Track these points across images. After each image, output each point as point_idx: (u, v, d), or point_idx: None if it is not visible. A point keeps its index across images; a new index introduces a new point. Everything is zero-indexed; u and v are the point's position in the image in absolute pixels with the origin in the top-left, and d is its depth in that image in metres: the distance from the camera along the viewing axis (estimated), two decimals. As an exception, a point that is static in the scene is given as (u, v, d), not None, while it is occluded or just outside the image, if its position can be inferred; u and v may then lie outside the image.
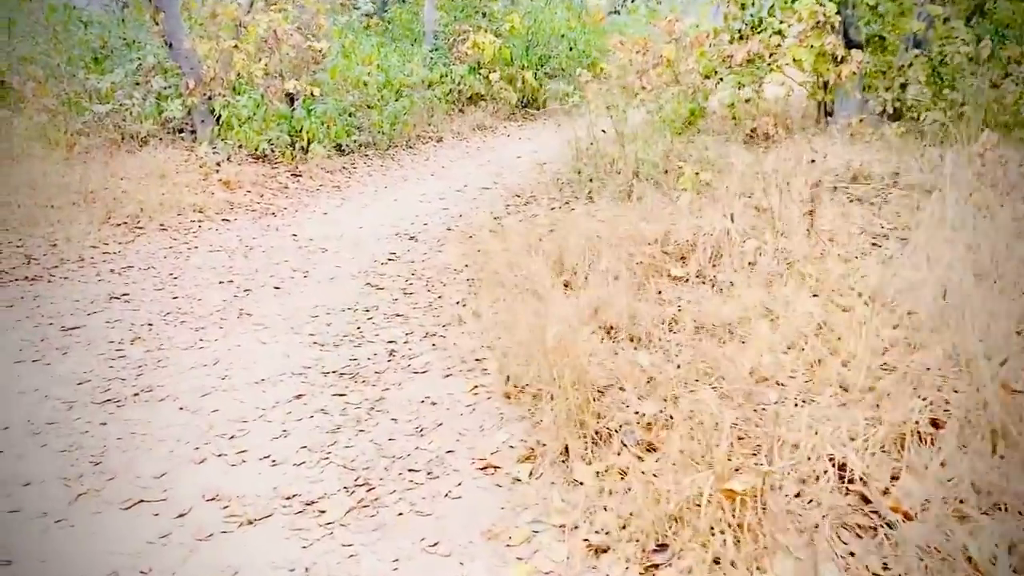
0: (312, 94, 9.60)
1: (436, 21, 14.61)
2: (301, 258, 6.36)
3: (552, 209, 7.15)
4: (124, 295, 5.36)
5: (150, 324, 4.87)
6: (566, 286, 4.91)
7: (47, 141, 8.75)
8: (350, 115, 10.46)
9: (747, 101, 9.84)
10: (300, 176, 9.26)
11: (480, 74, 13.73)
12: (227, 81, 9.48)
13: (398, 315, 5.05)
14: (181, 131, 9.84)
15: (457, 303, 5.20)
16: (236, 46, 9.16)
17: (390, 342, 4.57)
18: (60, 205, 7.16)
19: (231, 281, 5.74)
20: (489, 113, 13.69)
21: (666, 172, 7.83)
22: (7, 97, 9.50)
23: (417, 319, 4.96)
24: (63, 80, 9.45)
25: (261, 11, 9.53)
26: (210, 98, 9.59)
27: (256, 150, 9.44)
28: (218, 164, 9.05)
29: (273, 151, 9.56)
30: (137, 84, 9.55)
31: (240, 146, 9.43)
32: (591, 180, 7.96)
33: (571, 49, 15.49)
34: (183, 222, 7.22)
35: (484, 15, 14.84)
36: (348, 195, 8.67)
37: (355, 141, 10.51)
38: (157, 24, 9.39)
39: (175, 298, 5.36)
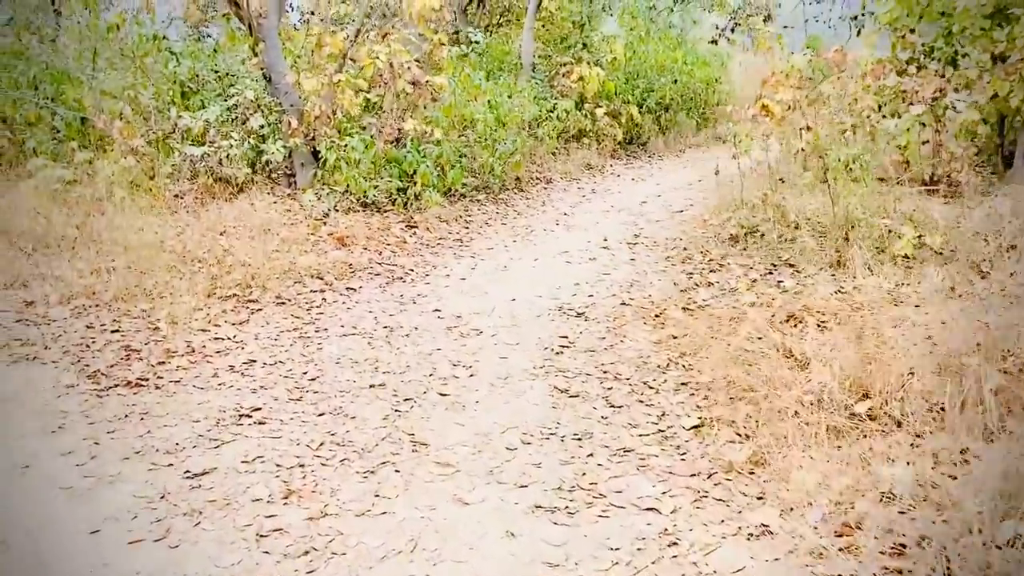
0: (427, 135, 8.31)
1: (533, 52, 13.33)
2: (456, 345, 5.00)
3: (753, 281, 5.72)
4: (255, 410, 4.02)
5: (300, 463, 3.51)
6: (871, 418, 3.47)
7: (134, 188, 7.55)
8: (462, 156, 9.16)
9: (925, 143, 8.37)
10: (416, 227, 7.96)
11: (583, 109, 12.39)
12: (333, 120, 8.24)
13: (625, 451, 3.64)
14: (277, 175, 8.62)
15: (696, 430, 3.79)
16: (346, 80, 7.91)
17: (647, 510, 3.16)
18: (155, 269, 5.91)
19: (383, 384, 4.39)
20: (594, 151, 12.33)
21: (851, 228, 6.38)
22: (90, 137, 8.35)
23: (659, 460, 3.54)
24: (150, 118, 8.28)
25: (375, 42, 8.29)
26: (313, 138, 8.36)
27: (364, 197, 8.17)
28: (325, 215, 7.78)
29: (382, 199, 8.28)
30: (233, 122, 8.34)
31: (346, 193, 8.16)
32: (780, 239, 6.52)
33: (675, 82, 14.11)
34: (302, 292, 5.91)
35: (584, 46, 13.53)
36: (476, 251, 7.32)
37: (464, 184, 9.19)
38: (256, 55, 8.20)
39: (320, 415, 4.01)
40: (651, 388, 4.32)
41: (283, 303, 5.67)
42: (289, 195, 8.21)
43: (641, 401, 4.18)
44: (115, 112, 8.04)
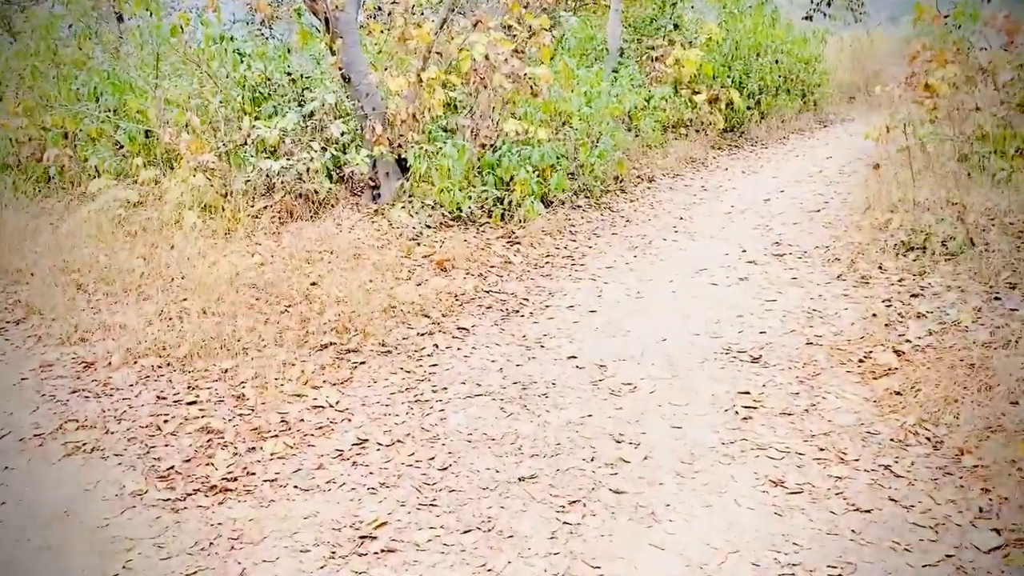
0: (527, 135, 7.21)
1: (620, 35, 12.13)
2: (610, 409, 3.91)
3: (976, 309, 4.49)
4: (378, 526, 2.99)
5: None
6: None
7: (207, 210, 6.63)
8: (561, 157, 8.05)
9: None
10: (518, 243, 6.88)
11: (680, 96, 11.15)
12: (421, 123, 7.21)
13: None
14: (360, 188, 7.63)
15: (1006, 559, 2.63)
16: (436, 77, 6.86)
17: None
18: (236, 312, 4.95)
19: (534, 478, 3.32)
20: (694, 142, 11.09)
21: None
22: (156, 152, 7.47)
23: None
24: (219, 128, 7.36)
25: (466, 31, 7.21)
26: (399, 145, 7.34)
27: (457, 210, 7.14)
28: (418, 233, 6.76)
29: (477, 211, 7.23)
30: (311, 130, 7.36)
31: (437, 206, 7.13)
32: (977, 248, 5.26)
33: (776, 63, 12.74)
34: (408, 336, 4.87)
35: (676, 26, 12.26)
36: (594, 272, 6.21)
37: (563, 190, 8.08)
38: (333, 54, 7.19)
39: (466, 532, 2.96)
40: (899, 477, 3.17)
41: (388, 352, 4.64)
42: (376, 211, 7.20)
43: (893, 499, 3.03)
44: (181, 123, 7.13)
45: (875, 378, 4.00)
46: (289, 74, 7.96)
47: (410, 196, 7.35)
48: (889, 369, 4.04)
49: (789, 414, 3.79)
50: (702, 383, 4.14)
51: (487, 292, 5.76)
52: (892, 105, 8.62)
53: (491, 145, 7.38)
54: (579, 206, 8.22)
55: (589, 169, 8.49)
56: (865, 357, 4.17)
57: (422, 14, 8.10)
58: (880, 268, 5.50)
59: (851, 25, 15.88)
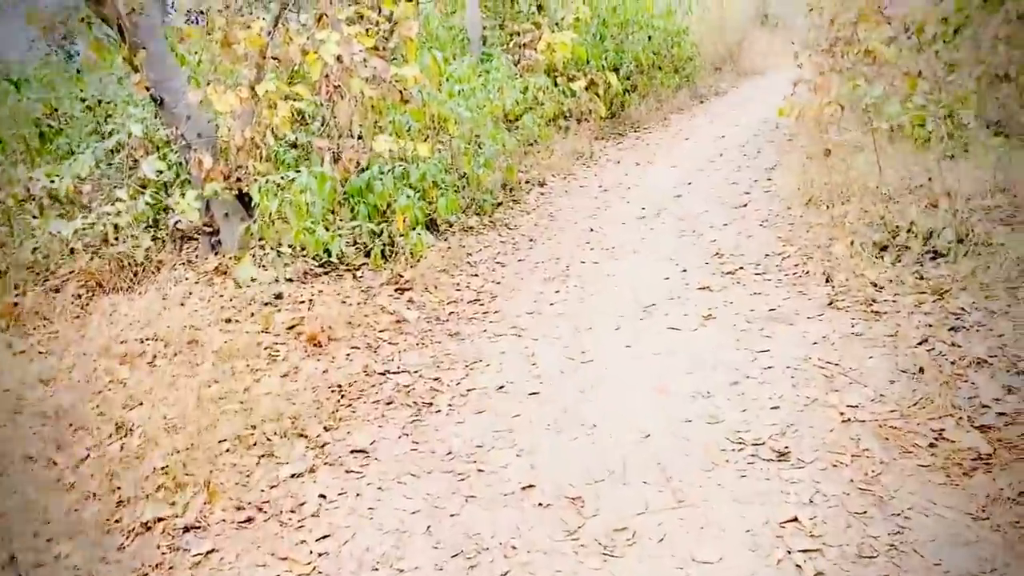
0: (404, 152, 5.62)
1: (480, 22, 10.63)
2: (613, 591, 2.46)
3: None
4: None
5: None
6: None
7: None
8: (448, 172, 6.50)
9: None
10: (410, 290, 5.31)
11: (558, 84, 9.78)
12: (265, 149, 5.49)
13: None
14: (194, 239, 5.83)
15: None
16: (277, 89, 5.14)
17: None
18: (8, 469, 3.18)
19: None
20: (577, 135, 9.76)
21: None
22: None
23: None
24: (-8, 179, 5.38)
25: (307, 29, 5.49)
26: (238, 179, 5.60)
27: (325, 254, 5.49)
28: (276, 296, 5.06)
29: (350, 251, 5.60)
30: (118, 171, 5.49)
31: (298, 251, 5.47)
32: (960, 242, 4.09)
33: (649, 39, 11.59)
34: (279, 483, 3.20)
35: (540, 8, 10.87)
36: (516, 322, 4.72)
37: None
38: (136, 70, 5.34)
39: None
40: None
41: (248, 521, 2.98)
42: (216, 268, 5.44)
43: None
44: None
45: (965, 474, 2.72)
46: (83, 100, 6.01)
47: (261, 241, 5.63)
48: (979, 457, 2.77)
49: (870, 556, 2.46)
50: (724, 512, 2.75)
51: (382, 374, 4.16)
52: (801, 76, 7.56)
53: (358, 168, 5.73)
54: (471, 227, 6.70)
55: (476, 181, 6.99)
56: (937, 439, 2.89)
57: (250, 12, 6.32)
58: (874, 285, 4.27)
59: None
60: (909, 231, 4.61)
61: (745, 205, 6.57)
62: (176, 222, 5.35)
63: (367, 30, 5.23)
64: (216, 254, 5.84)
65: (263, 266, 5.42)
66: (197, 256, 5.64)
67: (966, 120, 5.00)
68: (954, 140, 5.00)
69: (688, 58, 12.58)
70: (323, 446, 3.46)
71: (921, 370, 3.25)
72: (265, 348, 4.46)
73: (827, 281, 4.52)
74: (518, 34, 10.60)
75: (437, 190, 6.17)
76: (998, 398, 2.98)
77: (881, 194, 5.27)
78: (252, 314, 4.86)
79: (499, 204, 7.34)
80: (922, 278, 4.29)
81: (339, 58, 5.08)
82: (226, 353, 4.32)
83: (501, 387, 3.86)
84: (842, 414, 3.15)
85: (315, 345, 4.49)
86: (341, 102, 5.47)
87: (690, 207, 6.81)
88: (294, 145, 6.94)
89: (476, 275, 5.67)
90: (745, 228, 5.96)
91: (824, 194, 5.88)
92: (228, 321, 4.75)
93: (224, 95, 5.17)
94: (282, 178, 5.41)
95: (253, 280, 5.27)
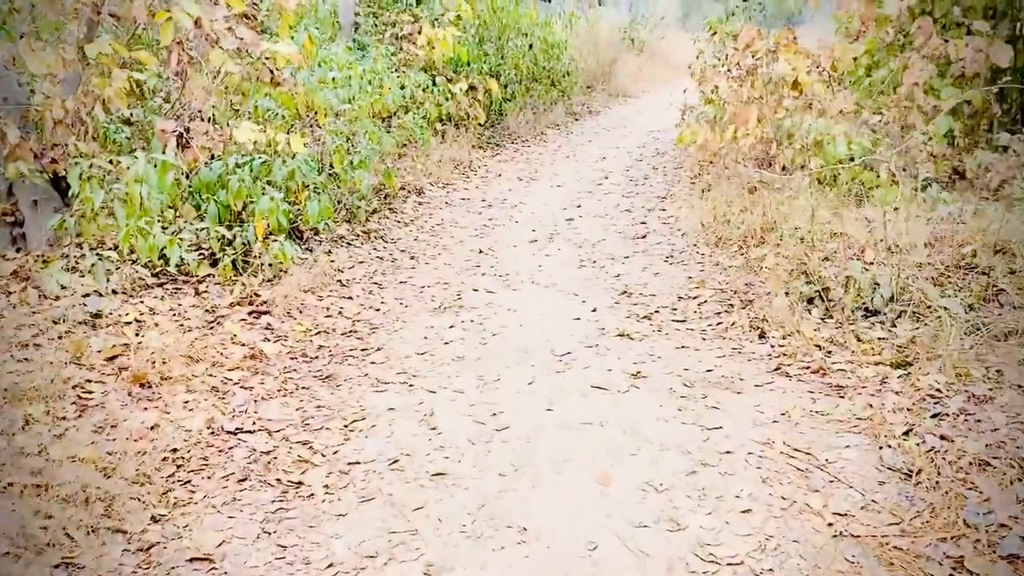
0: (272, 145, 4.59)
1: (354, 7, 9.61)
2: None
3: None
4: None
5: None
6: None
7: None
8: (321, 172, 5.49)
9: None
10: (268, 313, 4.29)
11: (437, 85, 8.90)
12: (91, 123, 4.28)
13: None
14: (-10, 226, 4.52)
15: None
16: (113, 52, 3.98)
17: None
18: None
19: None
20: (460, 142, 8.94)
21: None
22: None
23: None
24: None
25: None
26: (54, 160, 4.36)
27: (162, 261, 4.37)
28: (94, 315, 3.91)
29: (193, 258, 4.50)
30: None
31: (127, 255, 4.31)
32: (894, 300, 3.63)
33: (530, 47, 10.95)
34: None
35: (419, 1, 9.96)
36: (405, 366, 3.82)
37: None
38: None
39: None
40: None
41: None
42: (16, 272, 4.19)
43: None
44: None
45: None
46: None
47: (78, 239, 4.43)
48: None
49: None
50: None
51: (233, 433, 3.16)
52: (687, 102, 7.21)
53: (210, 157, 4.63)
54: (342, 237, 5.73)
55: (348, 184, 6.01)
56: (957, 571, 2.31)
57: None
58: (819, 348, 3.74)
59: (588, 9, 14.57)
60: (845, 286, 4.14)
61: (644, 237, 5.99)
62: (-40, 210, 4.06)
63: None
64: (18, 251, 4.57)
65: (79, 272, 4.24)
66: (-12, 256, 4.35)
67: (900, 167, 4.63)
68: (886, 188, 4.61)
69: (566, 72, 12.06)
70: (148, 549, 2.45)
71: (918, 472, 2.68)
72: (74, 387, 3.34)
73: (761, 337, 3.96)
74: (395, 25, 9.66)
75: (305, 191, 5.15)
76: (1016, 516, 2.45)
77: (799, 239, 4.81)
78: (59, 336, 3.70)
79: (374, 211, 6.40)
80: (860, 339, 3.81)
81: (198, 22, 3.99)
82: (17, 393, 3.17)
83: (394, 461, 2.97)
84: (830, 525, 2.52)
85: (142, 386, 3.41)
86: (195, 76, 4.36)
87: (585, 233, 6.16)
88: (128, 122, 5.71)
89: (350, 298, 4.73)
90: (649, 263, 5.36)
91: (732, 233, 5.39)
92: (24, 346, 3.57)
93: (42, 53, 3.96)
94: (111, 163, 4.24)
95: (64, 289, 4.09)
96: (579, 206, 7.04)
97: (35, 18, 4.25)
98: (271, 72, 4.48)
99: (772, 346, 3.82)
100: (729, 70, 6.59)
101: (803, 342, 3.81)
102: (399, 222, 6.36)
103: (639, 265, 5.33)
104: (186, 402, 3.33)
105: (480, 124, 9.49)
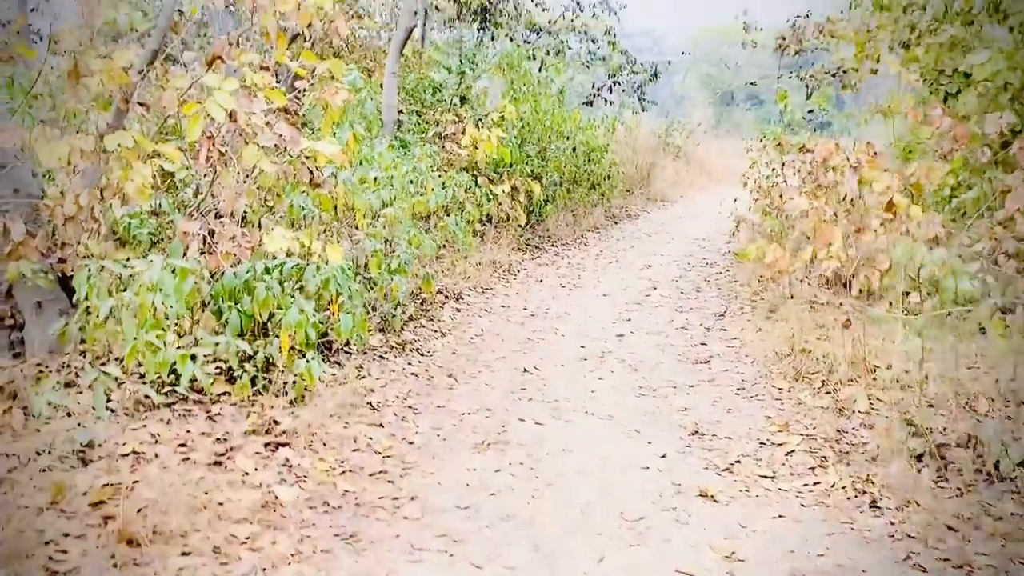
0: (307, 254, 4.06)
1: (396, 105, 9.33)
2: None
3: None
4: None
5: None
6: None
7: None
8: (357, 278, 4.95)
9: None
10: (288, 445, 3.66)
11: (480, 185, 8.48)
12: (105, 221, 3.79)
13: None
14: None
15: None
16: (137, 142, 3.51)
17: None
18: None
19: None
20: (500, 244, 8.46)
21: None
22: None
23: None
24: None
25: (199, 69, 3.91)
26: (62, 260, 3.85)
27: (173, 379, 3.78)
28: (86, 441, 3.30)
29: (202, 371, 3.91)
30: None
31: (129, 373, 3.74)
32: None
33: (573, 150, 10.60)
34: None
35: (463, 100, 9.69)
36: (445, 525, 3.16)
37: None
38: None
39: None
40: None
41: None
42: (2, 387, 3.62)
43: None
44: None
45: None
46: None
47: (82, 347, 3.88)
48: None
49: None
50: None
51: (233, 618, 2.49)
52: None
53: (235, 262, 4.10)
54: (375, 349, 5.14)
55: (383, 291, 5.47)
56: None
57: (115, 39, 4.68)
58: (950, 529, 3.02)
59: (635, 114, 14.34)
60: (966, 443, 3.45)
61: (707, 362, 5.35)
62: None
63: (277, 81, 3.71)
64: (16, 357, 4.02)
65: (78, 388, 3.66)
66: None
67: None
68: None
69: (607, 175, 11.69)
70: None
71: None
72: (47, 543, 2.70)
73: (873, 507, 3.25)
74: (437, 124, 9.36)
75: (338, 300, 4.59)
76: None
77: (895, 381, 4.15)
78: (42, 471, 3.08)
79: (409, 319, 5.83)
80: (989, 514, 3.10)
81: (232, 115, 3.52)
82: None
83: None
84: None
85: (130, 544, 2.76)
86: (225, 174, 3.87)
87: (640, 353, 5.54)
88: (155, 213, 5.25)
89: (381, 425, 4.09)
90: (719, 396, 4.70)
91: (815, 366, 4.73)
92: (10, 472, 2.96)
93: (57, 143, 3.49)
94: (124, 267, 3.71)
95: (57, 410, 3.50)
96: (629, 319, 6.44)
97: (55, 105, 3.80)
98: (311, 172, 3.98)
99: (891, 522, 3.11)
100: (787, 181, 6.07)
101: (927, 516, 3.10)
102: (436, 331, 5.78)
103: (707, 397, 4.67)
104: (180, 570, 2.67)
105: (520, 225, 9.03)
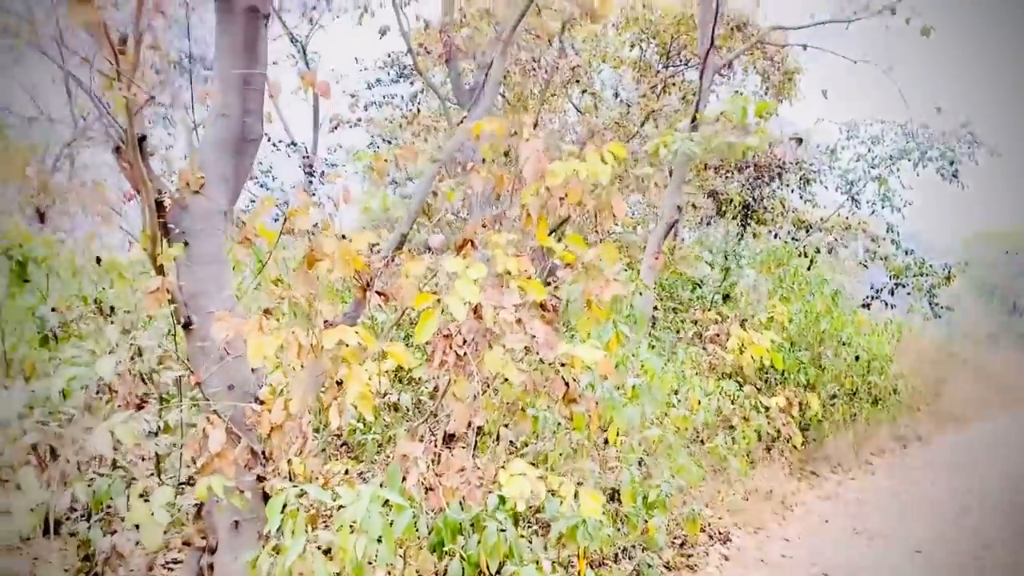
0: (557, 498, 3.02)
1: (653, 300, 8.42)
2: None
3: None
4: None
5: None
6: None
7: None
8: (608, 518, 3.81)
9: None
10: None
11: (747, 396, 7.11)
12: (312, 439, 3.03)
13: None
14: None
15: None
16: (363, 339, 2.78)
17: None
18: None
19: None
20: (771, 467, 6.93)
21: None
22: None
23: None
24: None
25: (441, 252, 3.22)
26: (260, 478, 3.12)
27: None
28: None
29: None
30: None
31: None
32: None
33: (856, 359, 8.94)
34: None
35: (726, 297, 8.57)
36: None
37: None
38: (160, 272, 3.16)
39: None
40: None
41: None
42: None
43: None
44: None
45: None
46: (97, 302, 3.86)
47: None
48: None
49: None
50: None
51: None
52: None
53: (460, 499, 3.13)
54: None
55: (636, 530, 4.22)
56: None
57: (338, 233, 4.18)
58: None
59: (925, 320, 12.35)
60: None
61: None
62: (114, 545, 2.83)
63: (536, 274, 2.86)
64: (202, 585, 3.25)
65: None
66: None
67: None
68: None
69: (893, 390, 9.74)
70: None
71: None
72: None
73: None
74: (696, 323, 8.26)
75: (583, 549, 3.43)
76: None
77: None
78: None
79: (666, 567, 4.49)
80: None
81: (477, 311, 2.68)
82: None
83: None
84: None
85: None
86: (460, 383, 2.99)
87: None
88: (395, 407, 4.56)
89: None
90: None
91: None
92: None
93: (268, 336, 2.82)
94: (331, 496, 2.86)
95: None
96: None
97: (276, 290, 3.21)
98: (566, 383, 3.00)
99: None
100: None
101: None
102: (701, 591, 4.37)
103: None
104: None
105: (794, 447, 7.43)
